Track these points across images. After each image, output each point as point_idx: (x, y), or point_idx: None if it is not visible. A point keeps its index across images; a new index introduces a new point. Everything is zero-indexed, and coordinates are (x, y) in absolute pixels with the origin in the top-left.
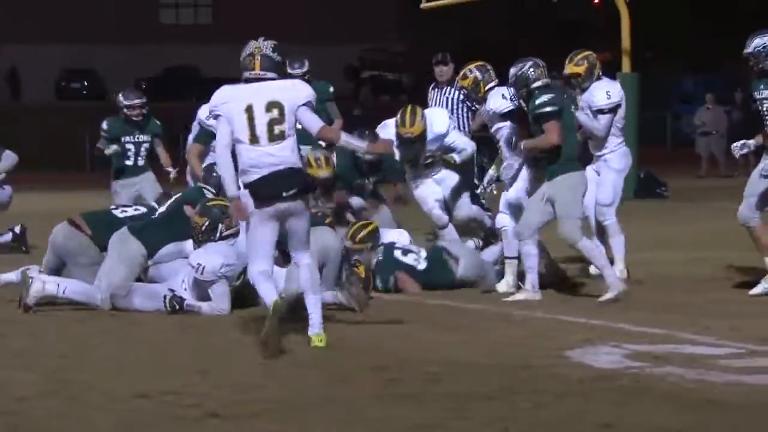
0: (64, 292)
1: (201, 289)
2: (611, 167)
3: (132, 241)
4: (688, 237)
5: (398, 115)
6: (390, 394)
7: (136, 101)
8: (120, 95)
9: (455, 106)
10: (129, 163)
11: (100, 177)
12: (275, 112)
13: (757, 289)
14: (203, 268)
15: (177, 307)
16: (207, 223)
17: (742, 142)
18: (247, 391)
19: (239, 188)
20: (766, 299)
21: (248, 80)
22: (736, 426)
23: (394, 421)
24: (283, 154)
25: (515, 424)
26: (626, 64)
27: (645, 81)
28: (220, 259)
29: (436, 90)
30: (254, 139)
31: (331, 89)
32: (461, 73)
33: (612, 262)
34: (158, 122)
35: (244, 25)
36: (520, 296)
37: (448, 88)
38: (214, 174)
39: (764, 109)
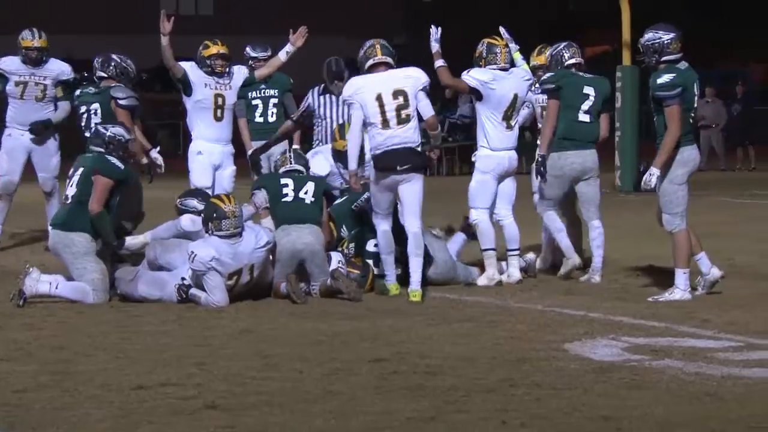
0: (56, 288)
1: (198, 278)
2: None
3: (71, 237)
4: None
5: (335, 131)
6: (389, 387)
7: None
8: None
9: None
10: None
11: None
12: (401, 99)
13: (658, 297)
14: (194, 256)
15: (184, 295)
16: (202, 216)
17: (648, 173)
18: (245, 383)
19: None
20: (766, 292)
21: (372, 67)
22: (735, 419)
23: (393, 413)
24: (407, 134)
25: (514, 416)
26: (627, 57)
27: (646, 74)
28: (212, 252)
29: (328, 96)
30: (386, 124)
31: (291, 81)
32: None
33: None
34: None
35: (245, 16)
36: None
37: None
38: (103, 132)
39: (651, 107)
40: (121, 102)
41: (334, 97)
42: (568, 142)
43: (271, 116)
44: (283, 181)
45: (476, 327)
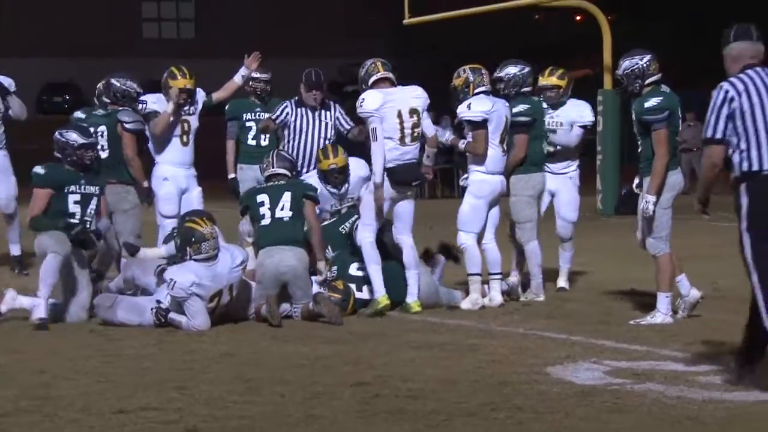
0: (16, 300)
1: (177, 304)
2: (576, 184)
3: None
4: None
5: (319, 153)
6: (371, 411)
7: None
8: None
9: (330, 132)
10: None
11: None
12: (415, 118)
13: (640, 320)
14: (174, 283)
15: (162, 319)
16: (178, 242)
17: (644, 201)
18: (226, 407)
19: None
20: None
21: (376, 82)
22: None
23: None
24: (416, 152)
25: None
26: (608, 81)
27: (627, 98)
28: (192, 278)
29: (304, 110)
30: (403, 140)
31: None
32: (456, 72)
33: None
34: None
35: (226, 39)
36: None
37: (323, 111)
38: (58, 138)
39: (635, 131)
40: (127, 126)
41: (309, 111)
42: (534, 167)
43: (264, 140)
44: (259, 198)
45: (458, 350)
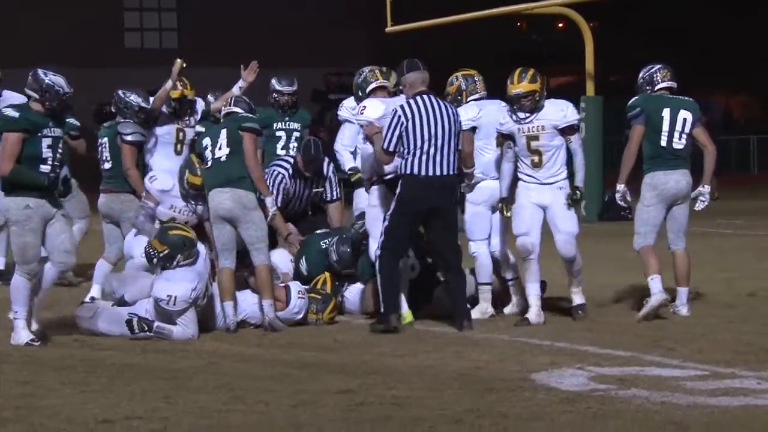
0: None
1: (164, 315)
2: (568, 194)
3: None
4: None
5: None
6: (356, 418)
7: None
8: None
9: (309, 201)
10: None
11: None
12: None
13: (640, 314)
14: (175, 298)
15: (146, 329)
16: (166, 252)
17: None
18: (211, 415)
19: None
20: (731, 321)
21: (375, 89)
22: None
23: None
24: None
25: None
26: (590, 88)
27: (609, 104)
28: (188, 285)
29: (299, 180)
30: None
31: (311, 118)
32: (449, 80)
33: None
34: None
35: (209, 49)
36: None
37: (317, 179)
38: (42, 78)
39: None
40: (125, 138)
41: (302, 181)
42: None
43: (292, 149)
44: (203, 143)
45: (442, 358)
